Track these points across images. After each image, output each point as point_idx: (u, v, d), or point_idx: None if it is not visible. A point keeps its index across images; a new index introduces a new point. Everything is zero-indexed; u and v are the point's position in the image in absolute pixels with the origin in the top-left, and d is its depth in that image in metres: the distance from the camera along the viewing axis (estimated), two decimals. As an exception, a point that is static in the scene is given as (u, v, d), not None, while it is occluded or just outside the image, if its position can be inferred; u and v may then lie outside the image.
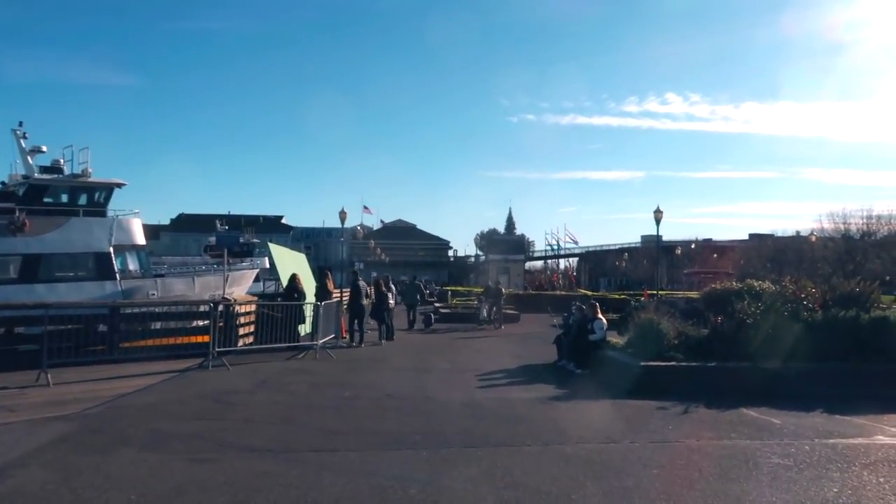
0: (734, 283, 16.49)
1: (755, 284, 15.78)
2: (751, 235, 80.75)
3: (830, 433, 8.43)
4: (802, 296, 13.79)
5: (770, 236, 72.42)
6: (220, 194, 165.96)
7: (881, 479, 6.47)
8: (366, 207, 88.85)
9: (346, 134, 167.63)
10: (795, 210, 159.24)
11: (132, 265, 29.69)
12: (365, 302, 19.21)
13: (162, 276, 31.99)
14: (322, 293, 17.96)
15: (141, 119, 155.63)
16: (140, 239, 30.40)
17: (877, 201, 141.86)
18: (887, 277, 46.12)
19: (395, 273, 51.28)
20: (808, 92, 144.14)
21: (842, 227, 57.04)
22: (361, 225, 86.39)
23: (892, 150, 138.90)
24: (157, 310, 19.43)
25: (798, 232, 65.53)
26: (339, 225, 38.80)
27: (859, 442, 8.02)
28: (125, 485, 5.91)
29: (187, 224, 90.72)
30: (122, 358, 13.91)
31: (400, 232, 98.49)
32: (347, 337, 18.57)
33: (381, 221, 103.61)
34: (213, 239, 52.40)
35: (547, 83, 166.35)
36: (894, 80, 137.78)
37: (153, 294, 28.68)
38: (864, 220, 57.00)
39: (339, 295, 20.20)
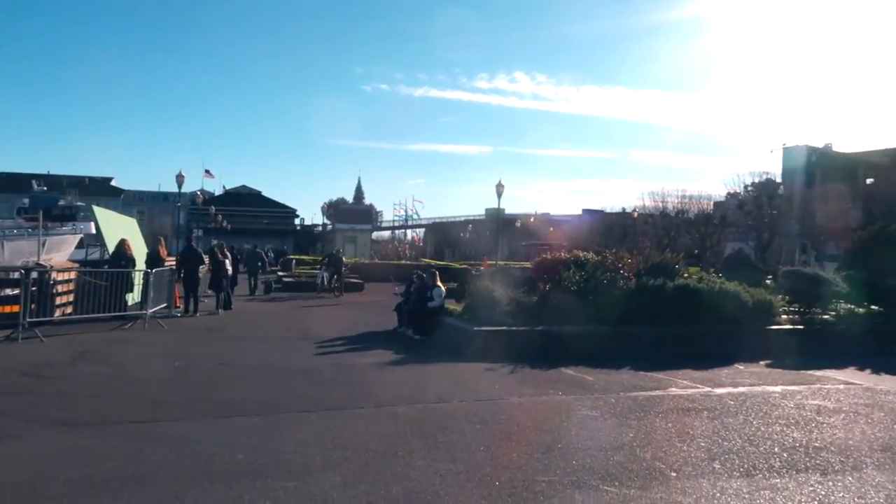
0: (562, 254, 17.64)
1: (581, 255, 17.03)
2: (584, 210, 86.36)
3: (633, 387, 9.43)
4: (620, 266, 15.13)
5: (600, 212, 77.95)
6: (38, 152, 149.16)
7: (669, 425, 7.38)
8: (207, 171, 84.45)
9: (186, 94, 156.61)
10: (624, 188, 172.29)
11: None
12: (202, 270, 18.39)
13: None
14: (153, 260, 16.95)
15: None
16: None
17: (691, 183, 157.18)
18: (696, 251, 51.59)
19: (239, 241, 49.23)
20: (640, 80, 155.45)
21: (660, 205, 62.81)
22: (202, 190, 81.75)
23: (708, 137, 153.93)
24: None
25: (624, 208, 71.20)
26: (175, 189, 36.53)
27: (656, 394, 9.05)
28: None
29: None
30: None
31: (244, 198, 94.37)
32: (181, 306, 17.70)
33: (224, 187, 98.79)
34: (27, 200, 47.17)
35: (402, 54, 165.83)
36: (716, 74, 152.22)
37: (-48, 259, 25.52)
38: (679, 200, 63.20)
39: (173, 262, 19.13)
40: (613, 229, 64.60)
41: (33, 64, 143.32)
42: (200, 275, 18.23)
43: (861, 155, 55.65)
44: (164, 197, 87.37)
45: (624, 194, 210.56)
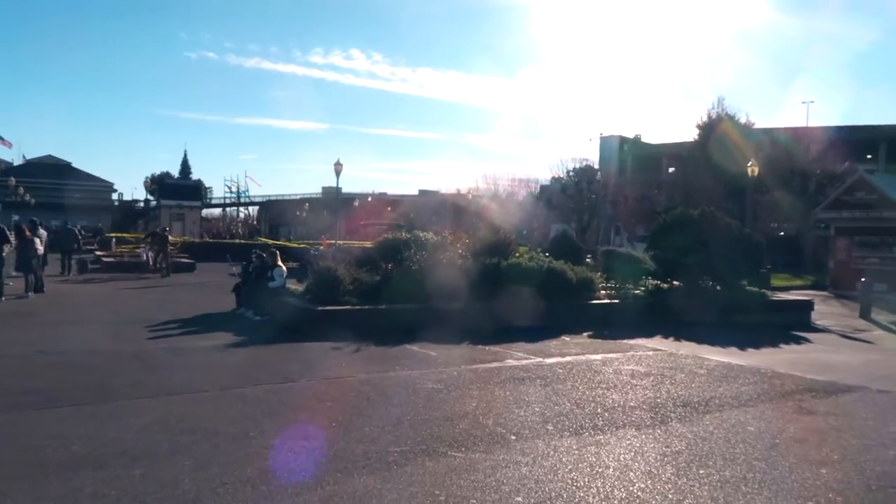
0: (403, 234, 18.03)
1: (421, 235, 17.52)
2: (420, 191, 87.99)
3: (473, 360, 10.00)
4: (458, 245, 15.79)
5: (436, 192, 79.87)
6: None
7: (507, 393, 7.97)
8: (2, 138, 74.78)
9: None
10: (459, 170, 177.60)
11: None
12: (6, 250, 16.50)
13: None
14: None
15: None
16: None
17: (521, 166, 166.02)
18: (524, 231, 54.71)
19: (45, 217, 44.36)
20: (474, 65, 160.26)
21: (493, 186, 65.72)
22: (-3, 159, 72.50)
23: (535, 123, 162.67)
24: None
25: (459, 189, 73.58)
26: (-35, 157, 32.12)
27: (494, 366, 9.68)
28: None
29: None
30: None
31: (50, 170, 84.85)
32: (-18, 290, 15.78)
33: (24, 157, 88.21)
34: None
35: (231, 23, 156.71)
36: (543, 64, 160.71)
37: None
38: (510, 182, 66.56)
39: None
40: (448, 209, 66.59)
41: None
42: (4, 254, 16.37)
43: (665, 146, 62.09)
44: (-51, 165, 76.39)
45: (462, 176, 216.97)
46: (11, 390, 7.41)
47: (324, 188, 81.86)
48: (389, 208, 70.60)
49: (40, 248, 17.87)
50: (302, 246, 34.72)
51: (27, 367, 8.69)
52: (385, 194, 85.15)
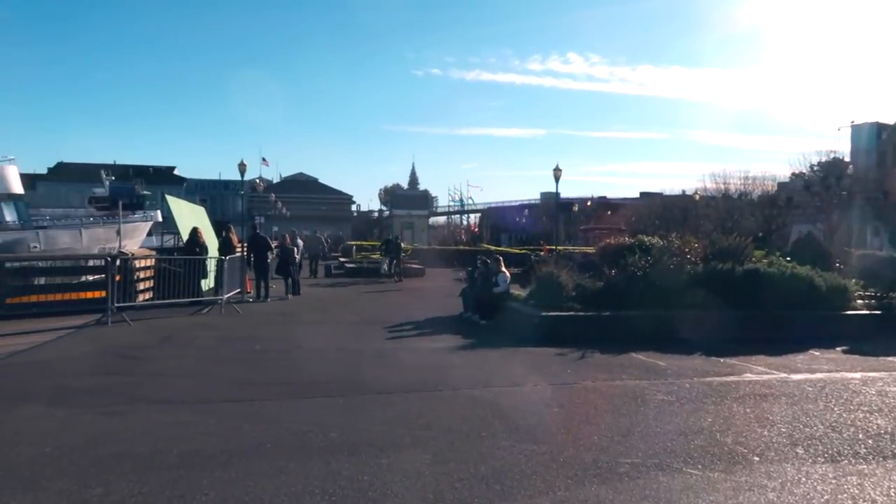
0: (626, 239, 17.53)
1: (645, 240, 16.91)
2: (641, 194, 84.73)
3: (707, 372, 9.39)
4: (686, 250, 14.95)
5: (659, 195, 76.34)
6: (104, 142, 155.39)
7: (747, 410, 7.36)
8: (264, 159, 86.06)
9: (242, 83, 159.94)
10: (682, 170, 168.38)
11: (9, 216, 27.79)
12: (270, 257, 19.02)
13: (44, 227, 30.06)
14: (226, 247, 17.63)
15: (15, 55, 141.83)
16: (17, 188, 28.42)
17: (753, 163, 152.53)
18: (760, 234, 50.10)
19: (298, 228, 50.35)
20: (698, 59, 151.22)
21: (723, 186, 61.06)
22: (260, 178, 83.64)
23: (768, 116, 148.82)
24: (41, 264, 18.45)
25: (684, 191, 69.59)
26: (235, 177, 37.56)
27: (731, 379, 9.00)
28: (36, 438, 5.82)
29: (68, 173, 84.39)
30: (7, 315, 13.21)
31: (301, 185, 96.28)
32: (252, 292, 18.35)
33: (281, 175, 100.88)
34: (100, 189, 49.23)
35: (453, 39, 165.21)
36: (773, 53, 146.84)
37: (35, 247, 27.02)
38: (742, 181, 61.30)
39: (241, 249, 19.84)
40: (673, 212, 63.26)
41: (94, 57, 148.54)
42: (269, 261, 18.86)
43: (938, 132, 52.91)
44: (225, 185, 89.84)
45: (682, 176, 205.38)
46: (278, 380, 8.51)
47: (542, 193, 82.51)
48: (609, 212, 69.00)
49: (297, 256, 20.29)
50: (523, 252, 35.30)
51: (289, 361, 9.91)
52: (605, 198, 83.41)
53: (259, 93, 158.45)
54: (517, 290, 15.03)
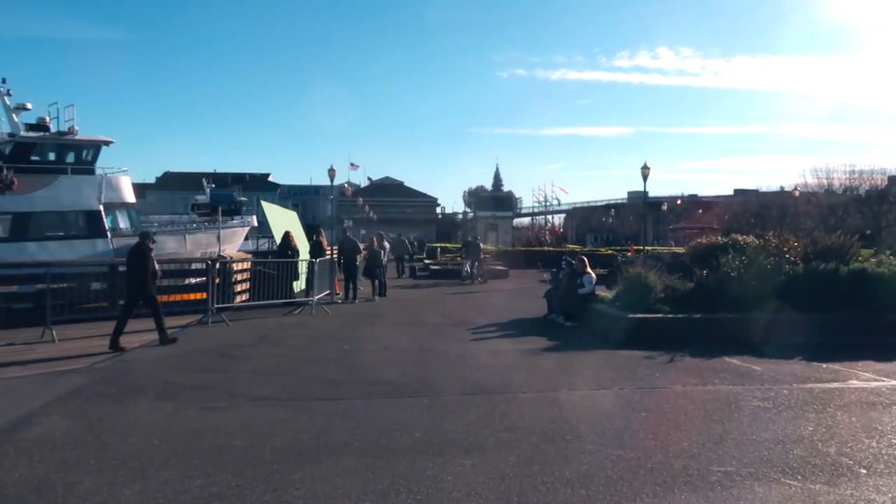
0: (719, 238, 16.86)
1: (739, 239, 16.17)
2: (736, 191, 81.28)
3: (808, 378, 8.91)
4: (785, 249, 14.24)
5: (755, 192, 72.96)
6: (205, 152, 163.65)
7: (853, 419, 6.94)
8: (352, 164, 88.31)
9: (332, 90, 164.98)
10: (780, 165, 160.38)
11: (122, 223, 29.76)
12: (359, 259, 19.52)
13: (153, 234, 31.99)
14: (316, 250, 18.23)
15: (124, 75, 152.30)
16: (130, 197, 30.39)
17: (860, 156, 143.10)
18: (868, 232, 46.94)
19: (384, 230, 51.35)
20: (798, 47, 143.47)
21: (825, 182, 57.73)
22: (349, 182, 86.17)
23: (877, 105, 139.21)
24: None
25: (782, 187, 66.28)
26: (325, 182, 38.89)
27: (835, 386, 8.50)
28: (145, 431, 6.24)
29: (173, 182, 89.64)
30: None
31: (388, 189, 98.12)
32: (341, 293, 18.88)
33: (369, 179, 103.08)
34: (202, 196, 52.02)
35: (539, 38, 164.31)
36: (881, 36, 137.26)
37: (144, 252, 28.79)
38: (847, 176, 57.68)
39: (331, 252, 20.46)
40: (770, 210, 60.31)
41: (193, 75, 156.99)
42: (357, 262, 19.35)
43: None
44: (316, 190, 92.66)
45: (779, 172, 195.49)
46: (366, 379, 8.74)
47: (629, 193, 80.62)
48: (701, 211, 66.55)
49: (384, 259, 20.71)
50: (609, 252, 34.59)
51: (377, 361, 10.14)
52: (696, 196, 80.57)
53: (346, 102, 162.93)
54: (603, 292, 14.76)
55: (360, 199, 79.60)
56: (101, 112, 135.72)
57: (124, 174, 30.49)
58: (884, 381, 8.81)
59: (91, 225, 27.14)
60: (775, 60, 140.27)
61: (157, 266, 11.58)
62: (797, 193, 55.01)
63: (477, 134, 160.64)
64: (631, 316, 12.07)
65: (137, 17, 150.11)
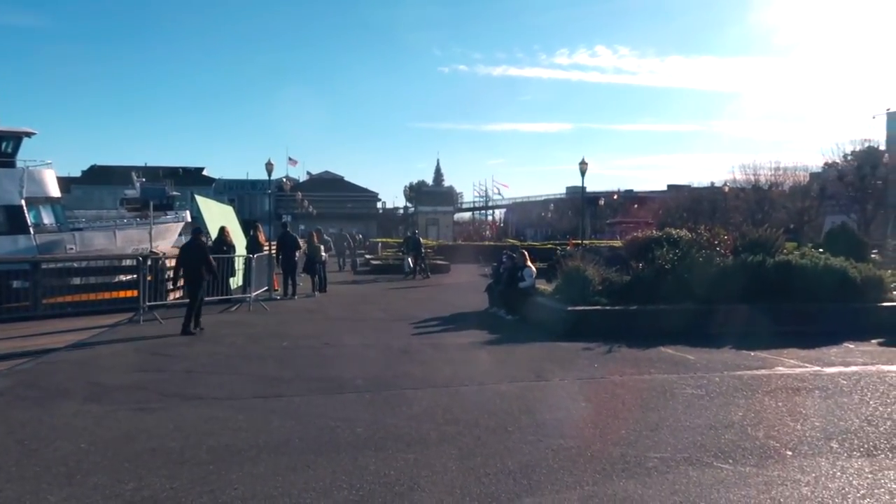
0: (654, 232, 17.34)
1: (673, 233, 16.69)
2: (669, 186, 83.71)
3: (737, 366, 9.26)
4: (716, 242, 14.76)
5: (687, 187, 75.32)
6: (135, 145, 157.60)
7: (780, 404, 7.25)
8: (291, 159, 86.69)
9: (267, 84, 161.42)
10: (712, 162, 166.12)
11: (47, 218, 28.43)
12: (298, 255, 19.17)
13: (79, 229, 30.71)
14: (253, 246, 17.81)
15: (47, 63, 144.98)
16: (54, 191, 29.06)
17: (785, 154, 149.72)
18: (791, 225, 49.23)
19: (323, 225, 50.77)
20: (730, 48, 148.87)
21: (752, 178, 60.07)
22: (287, 177, 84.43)
23: (802, 105, 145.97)
24: (77, 264, 18.83)
25: (713, 183, 68.57)
26: (263, 176, 38.12)
27: (762, 373, 8.86)
28: (72, 434, 5.96)
29: (101, 176, 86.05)
30: (44, 314, 13.54)
31: (327, 184, 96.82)
32: (280, 289, 18.53)
33: (308, 173, 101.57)
34: (132, 191, 50.20)
35: (480, 35, 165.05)
36: (809, 39, 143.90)
37: (71, 248, 27.62)
38: (773, 172, 60.20)
39: (269, 248, 20.03)
40: (702, 204, 62.46)
41: (123, 62, 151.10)
42: (297, 258, 19.01)
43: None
44: (253, 185, 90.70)
45: (710, 168, 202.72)
46: (306, 376, 8.60)
47: (568, 188, 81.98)
48: (636, 206, 68.33)
49: (324, 254, 20.42)
50: (548, 246, 35.14)
51: (317, 358, 10.00)
52: (632, 191, 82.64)
53: (285, 93, 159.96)
54: (543, 285, 14.96)
55: (300, 194, 78.27)
56: (23, 102, 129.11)
57: (48, 167, 29.08)
58: (807, 367, 9.24)
59: (12, 220, 25.81)
60: (708, 61, 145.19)
61: (213, 261, 12.63)
62: (727, 189, 57.11)
63: (418, 129, 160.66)
64: (570, 308, 12.27)
65: (63, 1, 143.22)
